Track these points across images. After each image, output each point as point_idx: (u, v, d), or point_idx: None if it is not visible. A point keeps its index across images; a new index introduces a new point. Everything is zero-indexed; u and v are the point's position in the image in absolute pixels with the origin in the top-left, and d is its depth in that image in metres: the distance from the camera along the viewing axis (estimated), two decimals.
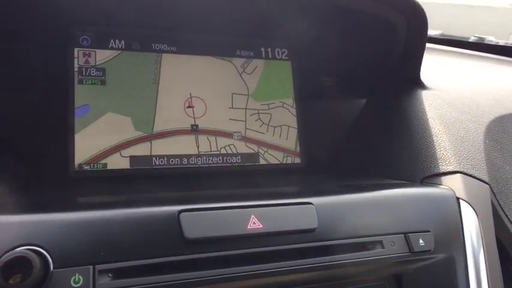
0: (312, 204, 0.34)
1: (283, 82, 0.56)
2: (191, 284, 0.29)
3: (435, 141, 0.47)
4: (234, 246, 0.30)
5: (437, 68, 0.78)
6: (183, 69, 0.51)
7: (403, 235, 0.35)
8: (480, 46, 1.10)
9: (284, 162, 0.53)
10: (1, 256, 0.25)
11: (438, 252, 0.36)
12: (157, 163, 0.48)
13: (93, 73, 0.48)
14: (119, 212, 0.29)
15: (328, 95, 0.57)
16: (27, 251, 0.25)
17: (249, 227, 0.31)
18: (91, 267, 0.27)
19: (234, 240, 0.30)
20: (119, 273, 0.27)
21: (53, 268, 0.26)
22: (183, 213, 0.30)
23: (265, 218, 0.32)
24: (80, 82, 0.47)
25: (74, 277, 0.26)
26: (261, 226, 0.31)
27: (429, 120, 0.50)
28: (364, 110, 0.56)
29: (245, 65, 0.54)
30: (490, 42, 1.21)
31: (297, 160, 0.54)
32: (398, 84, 0.55)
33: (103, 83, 0.48)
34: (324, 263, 0.32)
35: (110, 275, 0.27)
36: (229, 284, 0.30)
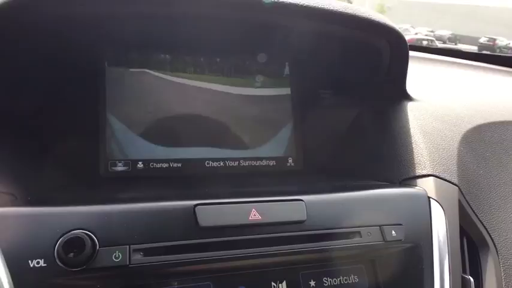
0: (303, 200, 0.41)
1: (283, 93, 0.63)
2: (203, 262, 0.36)
3: (414, 148, 0.54)
4: (238, 233, 0.38)
5: (428, 79, 0.85)
6: (198, 85, 0.59)
7: (378, 227, 0.43)
8: (475, 55, 1.16)
9: (282, 164, 0.61)
10: (61, 236, 0.33)
11: (408, 241, 0.43)
12: (173, 165, 0.56)
13: (121, 88, 0.56)
14: (148, 205, 0.37)
15: (324, 106, 0.64)
16: (81, 233, 0.33)
17: (250, 218, 0.39)
18: (127, 246, 0.34)
19: (238, 228, 0.38)
20: (148, 252, 0.35)
21: (99, 247, 0.34)
22: (198, 207, 0.37)
23: (264, 211, 0.39)
24: (110, 96, 0.55)
25: (114, 254, 0.34)
26: (260, 218, 0.39)
27: (411, 129, 0.57)
28: (355, 120, 0.63)
29: (251, 79, 0.62)
30: (487, 53, 1.26)
31: (294, 163, 0.61)
32: (387, 97, 0.62)
33: (129, 96, 0.56)
34: (310, 248, 0.40)
35: (141, 253, 0.35)
36: (233, 262, 0.37)
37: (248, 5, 0.45)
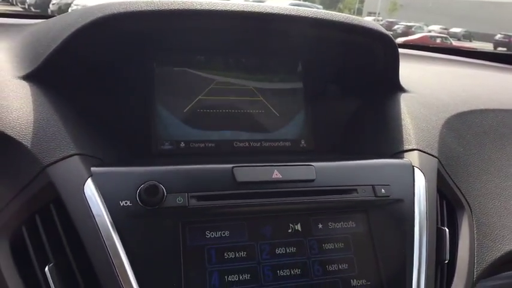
0: (313, 165, 0.54)
1: (296, 87, 0.76)
2: (239, 207, 0.50)
3: (403, 130, 0.66)
4: (265, 187, 0.51)
5: (422, 74, 0.97)
6: (227, 81, 0.73)
7: (371, 186, 0.55)
8: (471, 53, 1.27)
9: (296, 145, 0.74)
10: (141, 185, 0.47)
11: (394, 197, 0.55)
12: (208, 145, 0.70)
13: (166, 83, 0.70)
14: (199, 166, 0.50)
15: (331, 97, 0.77)
16: (155, 183, 0.47)
17: (273, 176, 0.52)
18: (186, 193, 0.48)
19: (265, 183, 0.51)
20: (201, 198, 0.48)
21: (167, 193, 0.47)
22: (235, 168, 0.51)
23: (283, 172, 0.53)
24: (158, 89, 0.69)
25: (178, 198, 0.47)
26: (281, 176, 0.52)
27: (402, 115, 0.69)
28: (357, 108, 0.76)
29: (270, 75, 0.75)
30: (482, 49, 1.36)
31: (306, 144, 0.74)
32: (383, 89, 0.74)
33: (173, 90, 0.70)
34: (318, 200, 0.53)
35: (196, 198, 0.48)
36: (261, 208, 0.51)
37: (269, 17, 0.58)
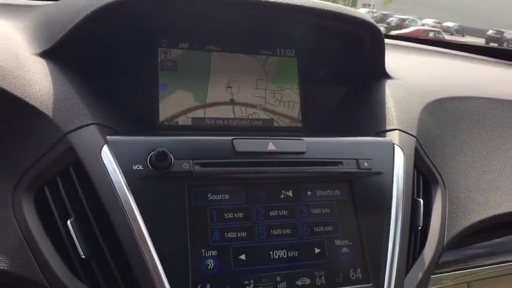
0: (304, 140, 0.61)
1: (291, 72, 0.82)
2: (238, 173, 0.56)
3: (387, 112, 0.73)
4: (261, 157, 0.58)
5: (410, 63, 1.04)
6: (225, 63, 0.78)
7: (355, 160, 0.62)
8: (460, 46, 1.34)
9: (290, 125, 0.80)
10: (151, 151, 0.53)
11: (375, 170, 0.62)
12: (208, 122, 0.76)
13: (169, 64, 0.75)
14: (203, 137, 0.57)
15: (321, 82, 0.83)
16: (165, 150, 0.53)
17: (268, 148, 0.58)
18: (191, 160, 0.54)
19: (261, 154, 0.58)
20: (204, 165, 0.55)
21: (174, 159, 0.53)
22: (234, 140, 0.57)
23: (277, 145, 0.59)
24: (162, 69, 0.75)
25: (184, 164, 0.54)
26: (275, 148, 0.59)
27: (386, 99, 0.76)
28: (346, 93, 0.82)
29: (265, 60, 0.81)
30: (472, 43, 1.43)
31: (299, 125, 0.81)
32: (369, 76, 0.80)
33: (175, 70, 0.76)
34: (308, 170, 0.59)
35: (200, 165, 0.55)
36: (257, 175, 0.57)
37: (264, 5, 0.64)
